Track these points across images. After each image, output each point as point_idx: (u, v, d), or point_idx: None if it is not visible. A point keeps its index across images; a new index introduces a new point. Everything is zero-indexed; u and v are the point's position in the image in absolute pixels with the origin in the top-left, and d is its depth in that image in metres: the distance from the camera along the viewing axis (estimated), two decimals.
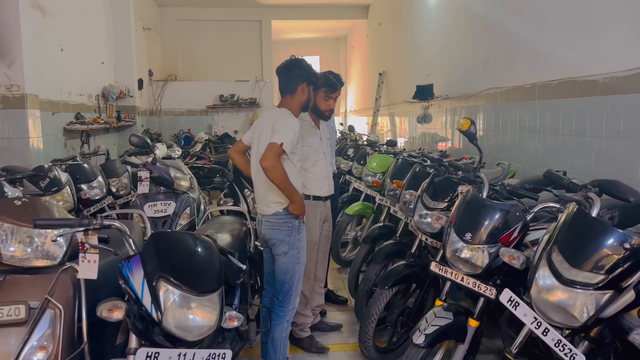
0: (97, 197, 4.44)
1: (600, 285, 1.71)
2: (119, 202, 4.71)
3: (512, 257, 2.13)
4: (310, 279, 3.67)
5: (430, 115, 8.47)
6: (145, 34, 11.02)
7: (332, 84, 3.56)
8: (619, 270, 1.69)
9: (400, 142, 9.97)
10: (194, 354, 1.76)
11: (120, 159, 4.60)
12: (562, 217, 1.96)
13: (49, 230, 2.04)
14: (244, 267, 2.27)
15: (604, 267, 1.71)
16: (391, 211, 4.25)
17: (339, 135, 8.10)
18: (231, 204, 3.67)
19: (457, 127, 2.91)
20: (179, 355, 1.74)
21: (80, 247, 1.94)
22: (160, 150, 6.09)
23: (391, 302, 3.34)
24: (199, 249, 1.91)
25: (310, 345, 3.62)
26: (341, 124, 14.16)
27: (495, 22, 5.91)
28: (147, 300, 1.75)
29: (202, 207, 4.22)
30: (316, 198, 3.57)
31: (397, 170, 4.17)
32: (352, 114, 15.34)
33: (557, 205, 2.32)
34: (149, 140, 3.92)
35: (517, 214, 2.37)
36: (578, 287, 1.73)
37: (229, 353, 1.84)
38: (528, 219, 2.39)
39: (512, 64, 5.42)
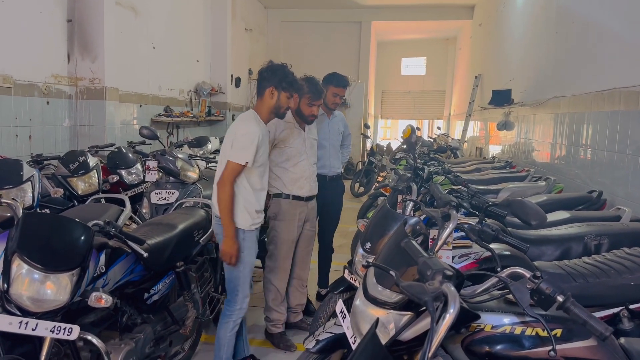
0: (135, 182, 4.90)
1: (397, 305, 1.55)
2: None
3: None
4: (287, 277, 3.69)
5: (511, 123, 7.90)
6: (248, 35, 11.68)
7: (316, 91, 3.51)
8: None
9: (494, 151, 9.44)
10: (37, 323, 1.93)
11: (132, 149, 4.98)
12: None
13: None
14: (145, 254, 2.39)
15: None
16: None
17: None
18: None
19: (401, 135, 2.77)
20: (20, 322, 1.92)
21: None
22: (213, 143, 6.49)
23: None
24: (64, 233, 2.06)
25: (280, 342, 3.65)
26: (438, 128, 13.75)
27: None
28: None
29: None
30: (296, 198, 3.57)
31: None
32: (453, 117, 14.79)
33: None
34: (157, 133, 4.23)
35: (417, 227, 2.22)
36: (379, 304, 1.59)
37: (76, 328, 1.96)
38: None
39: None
